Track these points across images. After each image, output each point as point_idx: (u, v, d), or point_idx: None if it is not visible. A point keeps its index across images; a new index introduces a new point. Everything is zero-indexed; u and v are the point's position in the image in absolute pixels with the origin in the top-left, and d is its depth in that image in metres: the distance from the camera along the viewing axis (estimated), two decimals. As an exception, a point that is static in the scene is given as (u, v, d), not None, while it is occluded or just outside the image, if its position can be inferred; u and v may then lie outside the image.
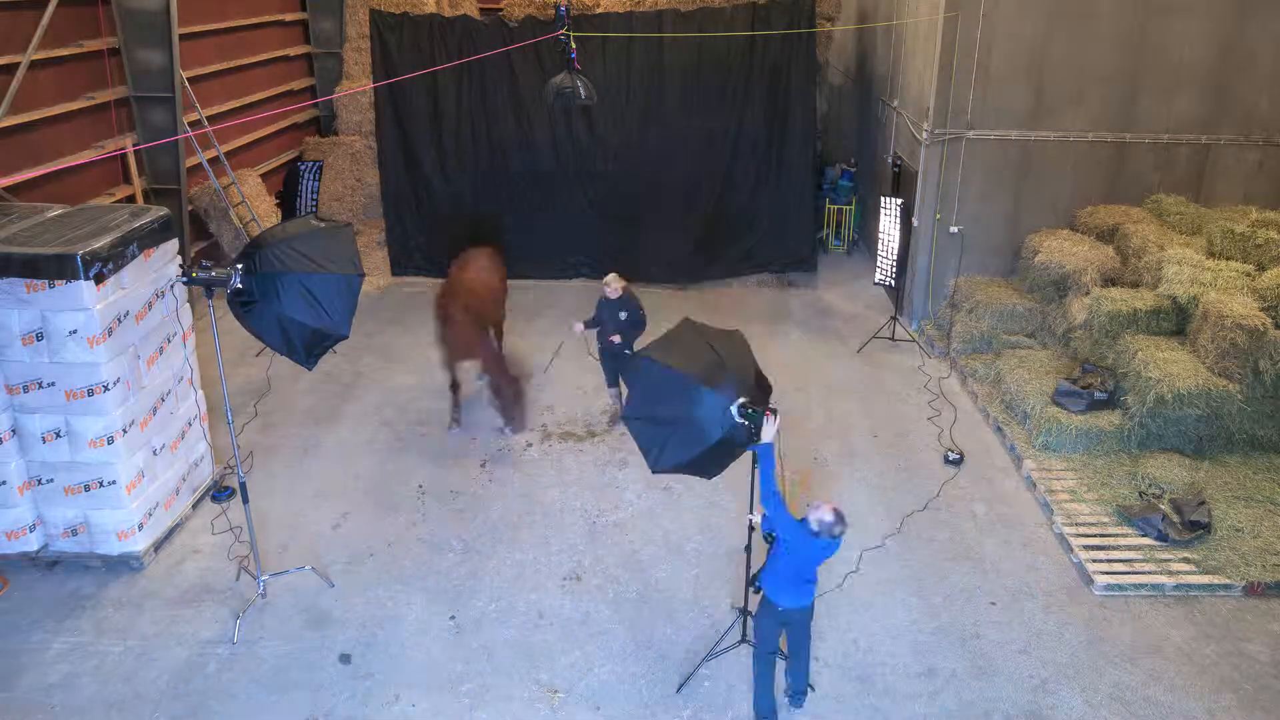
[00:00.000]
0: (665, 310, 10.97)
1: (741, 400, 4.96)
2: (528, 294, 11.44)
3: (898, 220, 9.65)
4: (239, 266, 5.30)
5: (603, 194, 11.57)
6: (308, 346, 5.52)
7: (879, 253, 9.99)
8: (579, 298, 11.35)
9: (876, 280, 10.17)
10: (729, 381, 5.04)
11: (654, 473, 5.15)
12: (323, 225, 5.67)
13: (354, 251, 5.65)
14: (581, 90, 8.61)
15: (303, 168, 10.08)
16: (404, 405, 8.67)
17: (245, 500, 5.99)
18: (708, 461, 5.12)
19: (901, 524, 6.91)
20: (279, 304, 5.33)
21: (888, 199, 9.70)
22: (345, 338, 5.60)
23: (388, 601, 6.09)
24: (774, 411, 4.90)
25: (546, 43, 10.72)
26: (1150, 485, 7.18)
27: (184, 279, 5.34)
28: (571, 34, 8.67)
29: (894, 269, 9.89)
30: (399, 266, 11.88)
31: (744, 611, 5.66)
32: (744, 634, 5.67)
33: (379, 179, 12.01)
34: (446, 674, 5.51)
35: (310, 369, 5.69)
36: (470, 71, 11.05)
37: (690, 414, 4.98)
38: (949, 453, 7.78)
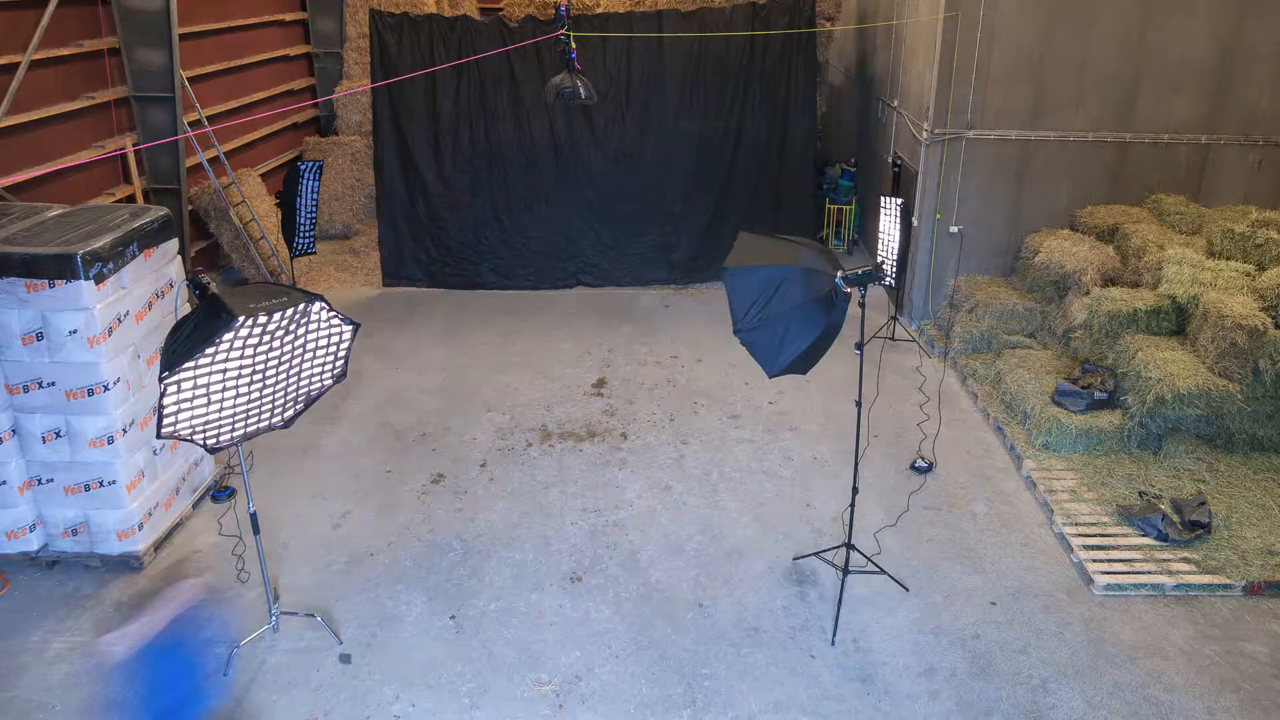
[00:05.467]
0: (667, 311, 11.00)
1: (843, 272, 5.07)
2: (524, 298, 11.47)
3: (898, 220, 9.65)
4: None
5: (603, 194, 11.55)
6: None
7: (879, 252, 9.98)
8: (579, 301, 11.37)
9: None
10: (819, 260, 5.13)
11: (770, 376, 5.41)
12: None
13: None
14: (581, 90, 8.61)
15: (303, 168, 10.07)
16: (404, 405, 8.67)
17: (256, 531, 5.69)
18: (815, 351, 5.28)
19: (898, 520, 6.92)
20: None
21: (887, 199, 9.70)
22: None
23: (388, 601, 6.09)
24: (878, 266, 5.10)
25: (546, 43, 10.72)
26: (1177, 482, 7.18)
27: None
28: (571, 34, 8.67)
29: (894, 268, 9.89)
30: (390, 276, 11.55)
31: (849, 546, 6.17)
32: (846, 565, 6.14)
33: (375, 182, 11.96)
34: (446, 674, 5.51)
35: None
36: (470, 72, 11.03)
37: (797, 301, 5.08)
38: (918, 460, 7.73)
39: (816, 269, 5.18)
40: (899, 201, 9.63)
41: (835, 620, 5.87)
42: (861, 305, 5.49)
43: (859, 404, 5.87)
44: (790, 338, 5.22)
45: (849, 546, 6.25)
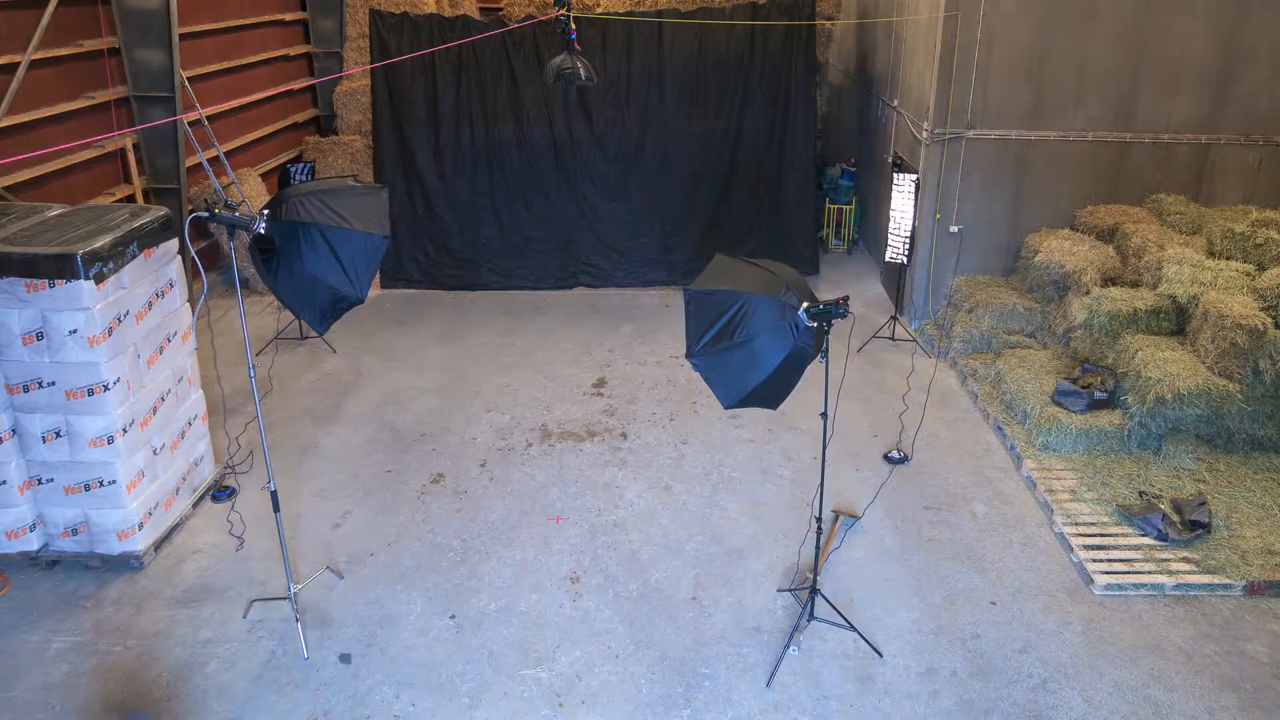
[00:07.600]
0: (667, 311, 11.00)
1: (806, 304, 4.76)
2: (524, 298, 11.47)
3: (912, 196, 9.40)
4: (264, 212, 5.06)
5: (603, 194, 11.54)
6: (322, 308, 5.29)
7: (890, 230, 9.74)
8: (579, 301, 11.36)
9: (888, 258, 9.89)
10: (788, 289, 4.82)
11: (726, 408, 5.07)
12: (358, 185, 5.41)
13: (385, 213, 5.38)
14: (581, 71, 8.54)
15: (293, 169, 10.07)
16: (404, 405, 8.67)
17: (276, 509, 5.76)
18: (777, 384, 4.88)
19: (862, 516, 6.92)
20: (299, 256, 5.07)
21: (901, 175, 9.47)
22: (361, 301, 5.32)
23: (388, 601, 6.09)
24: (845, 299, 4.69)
25: (547, 45, 10.72)
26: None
27: (205, 214, 4.98)
28: (571, 14, 8.63)
29: (906, 247, 9.67)
30: (388, 277, 11.51)
31: (814, 590, 5.84)
32: (812, 612, 5.87)
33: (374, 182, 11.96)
34: (446, 674, 5.51)
35: (322, 333, 5.48)
36: (470, 73, 11.02)
37: (754, 331, 4.75)
38: (893, 451, 7.75)
39: (783, 297, 4.82)
40: (914, 177, 9.43)
41: (779, 659, 5.55)
42: (826, 330, 4.98)
43: (825, 417, 5.48)
44: (742, 372, 4.86)
45: (813, 591, 5.86)
